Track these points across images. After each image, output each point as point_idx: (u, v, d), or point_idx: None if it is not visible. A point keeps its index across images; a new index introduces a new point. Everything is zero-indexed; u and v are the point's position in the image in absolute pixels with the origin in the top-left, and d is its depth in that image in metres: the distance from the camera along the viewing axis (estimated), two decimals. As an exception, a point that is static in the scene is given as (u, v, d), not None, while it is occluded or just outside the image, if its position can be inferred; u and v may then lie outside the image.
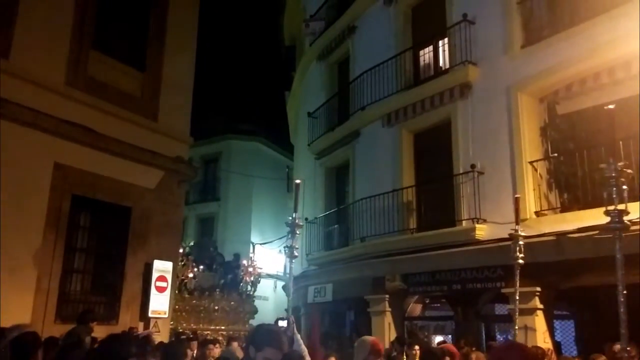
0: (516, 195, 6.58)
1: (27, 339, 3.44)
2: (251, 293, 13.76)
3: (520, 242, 6.28)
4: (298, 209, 4.53)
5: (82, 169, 8.54)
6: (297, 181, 4.92)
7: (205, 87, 24.41)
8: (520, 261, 6.26)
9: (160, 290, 9.45)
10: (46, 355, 4.07)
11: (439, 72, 11.72)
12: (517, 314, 6.62)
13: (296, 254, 4.47)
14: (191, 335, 9.28)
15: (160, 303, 9.44)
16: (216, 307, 12.51)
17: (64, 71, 8.59)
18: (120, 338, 3.67)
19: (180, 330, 10.38)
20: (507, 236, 9.14)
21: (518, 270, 6.35)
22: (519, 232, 6.28)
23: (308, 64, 17.22)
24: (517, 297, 6.48)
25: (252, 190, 23.87)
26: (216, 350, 6.57)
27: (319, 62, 16.26)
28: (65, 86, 8.52)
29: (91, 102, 8.79)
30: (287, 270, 16.89)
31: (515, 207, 6.44)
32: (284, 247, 22.69)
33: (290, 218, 4.44)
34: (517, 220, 6.29)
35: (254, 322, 12.79)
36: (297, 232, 4.46)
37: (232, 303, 12.86)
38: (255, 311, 13.75)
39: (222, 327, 12.33)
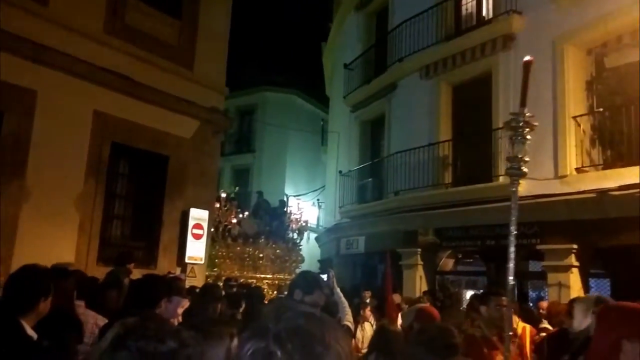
0: None
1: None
2: (298, 241, 13.39)
3: None
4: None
5: (121, 117, 8.64)
6: (528, 58, 3.28)
7: (241, 37, 24.24)
8: None
9: (197, 237, 9.66)
10: (81, 293, 4.21)
11: (481, 22, 11.33)
12: None
13: (525, 169, 3.36)
14: (233, 282, 9.43)
15: (196, 249, 9.66)
16: (261, 255, 12.15)
17: (103, 19, 8.59)
18: (152, 279, 3.73)
19: (225, 277, 10.46)
20: (544, 192, 9.07)
21: None
22: None
23: (345, 14, 16.85)
24: None
25: (287, 142, 23.90)
26: None
27: (356, 12, 15.89)
28: (103, 34, 8.55)
29: (129, 50, 8.80)
30: (321, 223, 16.83)
31: None
32: (317, 199, 22.64)
33: (513, 114, 3.33)
34: None
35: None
36: (527, 136, 3.33)
37: (278, 251, 12.53)
38: (302, 260, 13.37)
39: (268, 276, 12.08)
